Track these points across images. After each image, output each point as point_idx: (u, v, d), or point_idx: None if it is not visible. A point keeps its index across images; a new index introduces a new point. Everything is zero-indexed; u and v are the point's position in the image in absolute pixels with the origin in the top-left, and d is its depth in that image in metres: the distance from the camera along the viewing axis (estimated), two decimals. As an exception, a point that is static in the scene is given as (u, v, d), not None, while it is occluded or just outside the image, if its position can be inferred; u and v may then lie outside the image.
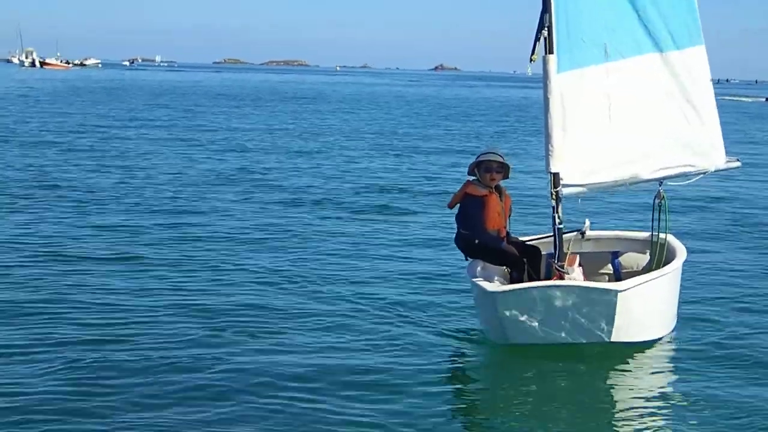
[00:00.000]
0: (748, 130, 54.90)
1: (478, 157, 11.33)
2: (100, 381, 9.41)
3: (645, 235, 12.41)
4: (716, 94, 11.97)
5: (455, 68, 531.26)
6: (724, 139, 11.87)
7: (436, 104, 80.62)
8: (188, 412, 8.73)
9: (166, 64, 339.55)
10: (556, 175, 10.80)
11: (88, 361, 9.98)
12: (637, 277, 10.58)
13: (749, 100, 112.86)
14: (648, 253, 12.17)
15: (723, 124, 11.90)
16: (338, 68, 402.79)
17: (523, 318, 10.10)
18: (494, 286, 10.31)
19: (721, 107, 12.33)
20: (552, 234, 11.13)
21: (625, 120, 11.29)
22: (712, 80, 11.88)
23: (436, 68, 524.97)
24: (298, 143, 37.81)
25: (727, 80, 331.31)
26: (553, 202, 10.83)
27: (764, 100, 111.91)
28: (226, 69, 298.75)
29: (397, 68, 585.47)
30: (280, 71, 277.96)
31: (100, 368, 9.74)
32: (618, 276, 12.00)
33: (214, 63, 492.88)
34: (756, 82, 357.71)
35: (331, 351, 10.59)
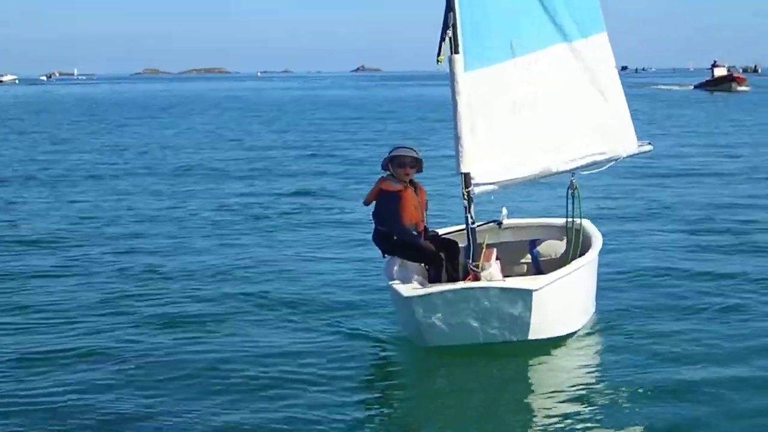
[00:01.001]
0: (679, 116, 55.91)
1: (391, 152, 11.19)
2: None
3: (562, 221, 12.30)
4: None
5: (377, 69, 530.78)
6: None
7: (352, 106, 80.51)
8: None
9: (84, 77, 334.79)
10: (466, 176, 10.69)
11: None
12: (552, 274, 10.51)
13: (680, 88, 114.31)
14: (565, 240, 12.12)
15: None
16: (259, 74, 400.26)
17: (439, 321, 9.99)
18: (410, 289, 10.14)
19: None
20: (476, 225, 11.02)
21: (535, 114, 11.23)
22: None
23: (357, 70, 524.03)
24: (225, 149, 37.57)
25: (644, 69, 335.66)
26: (465, 202, 10.71)
27: (692, 87, 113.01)
28: (144, 80, 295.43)
29: (319, 71, 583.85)
30: (200, 79, 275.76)
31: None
32: (537, 265, 12.01)
33: (133, 74, 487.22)
34: (674, 70, 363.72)
35: (246, 357, 10.40)
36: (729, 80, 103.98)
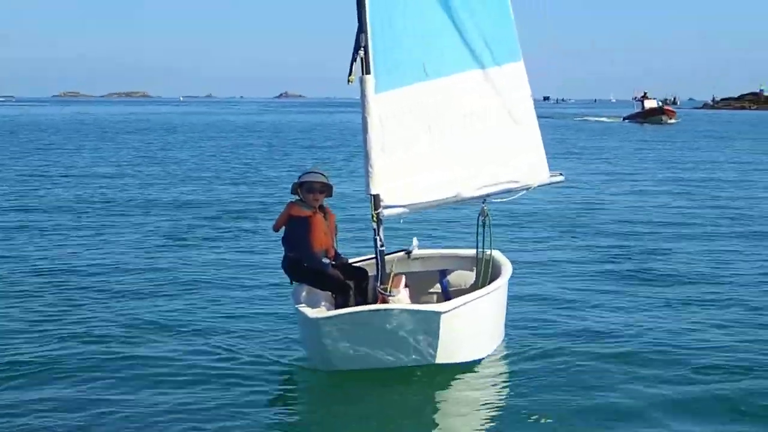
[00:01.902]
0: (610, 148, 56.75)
1: (301, 177, 10.98)
2: None
3: (472, 252, 12.19)
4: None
5: (300, 95, 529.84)
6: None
7: (272, 132, 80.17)
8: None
9: (3, 99, 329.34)
10: (376, 197, 10.49)
11: None
12: (459, 298, 10.31)
13: (609, 120, 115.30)
14: (475, 271, 11.98)
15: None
16: (182, 98, 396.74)
17: (346, 344, 9.72)
18: (316, 312, 9.90)
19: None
20: (386, 254, 10.86)
21: (446, 138, 11.09)
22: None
23: (280, 96, 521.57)
24: (140, 175, 36.82)
25: (563, 99, 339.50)
26: (374, 225, 10.52)
27: (622, 120, 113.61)
28: (66, 102, 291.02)
29: (242, 97, 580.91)
30: (122, 103, 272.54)
31: None
32: (446, 295, 11.80)
33: (54, 96, 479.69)
34: (595, 101, 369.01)
35: (150, 385, 10.04)
36: (659, 113, 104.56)
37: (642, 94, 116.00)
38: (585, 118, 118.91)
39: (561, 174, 12.39)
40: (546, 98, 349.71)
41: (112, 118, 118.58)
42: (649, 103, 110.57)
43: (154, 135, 71.44)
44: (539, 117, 12.42)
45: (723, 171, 39.50)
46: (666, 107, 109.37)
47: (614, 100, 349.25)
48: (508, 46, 11.63)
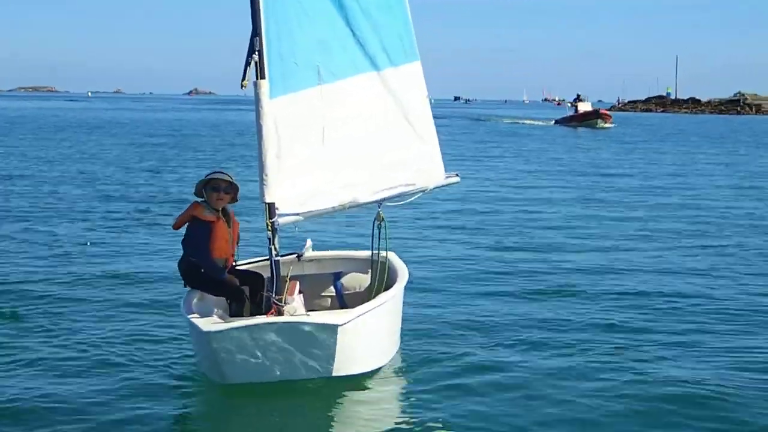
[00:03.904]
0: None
1: (207, 176, 10.59)
2: None
3: (367, 254, 11.88)
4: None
5: (210, 92, 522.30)
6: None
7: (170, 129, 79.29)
8: None
9: None
10: (271, 205, 10.09)
11: None
12: (357, 308, 9.99)
13: (542, 123, 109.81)
14: (370, 273, 11.69)
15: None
16: (90, 94, 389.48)
17: (240, 357, 9.32)
18: (209, 324, 9.45)
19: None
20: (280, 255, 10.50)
21: (342, 143, 10.78)
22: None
23: (190, 93, 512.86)
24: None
25: (467, 100, 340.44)
26: (269, 233, 10.11)
27: (553, 123, 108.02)
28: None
29: (151, 93, 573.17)
30: (29, 98, 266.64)
31: None
32: (341, 298, 11.50)
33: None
34: (506, 101, 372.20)
35: (36, 398, 9.59)
36: (595, 116, 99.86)
37: (575, 97, 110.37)
38: (522, 121, 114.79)
39: (457, 175, 12.16)
40: (457, 98, 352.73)
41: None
42: (583, 107, 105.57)
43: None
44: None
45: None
46: (602, 111, 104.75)
47: (527, 101, 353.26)
48: (405, 46, 11.36)
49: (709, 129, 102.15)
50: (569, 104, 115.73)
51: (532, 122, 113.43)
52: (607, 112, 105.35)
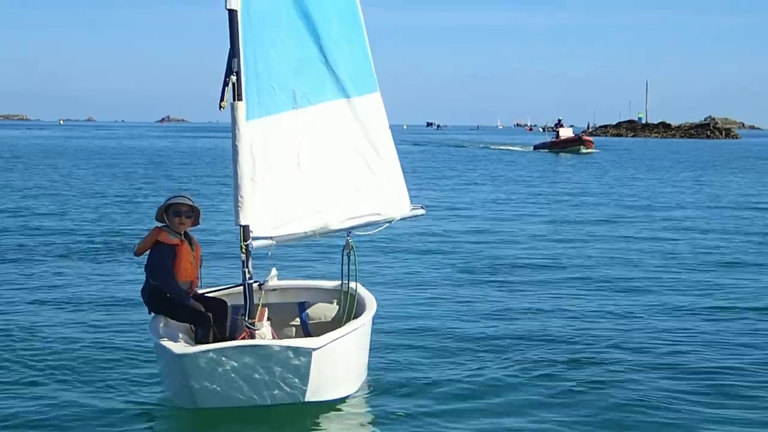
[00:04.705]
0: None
1: (167, 200, 10.47)
2: None
3: (333, 284, 11.80)
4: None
5: (182, 119, 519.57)
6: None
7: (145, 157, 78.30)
8: None
9: None
10: (245, 228, 9.96)
11: None
12: (331, 333, 9.85)
13: (521, 149, 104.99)
14: (336, 303, 11.57)
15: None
16: (61, 122, 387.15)
17: (213, 381, 9.12)
18: (180, 347, 9.27)
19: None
20: (238, 285, 10.34)
21: (315, 169, 10.69)
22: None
23: (162, 120, 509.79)
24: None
25: (438, 126, 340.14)
26: (243, 257, 9.98)
27: (532, 149, 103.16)
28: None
29: (123, 120, 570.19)
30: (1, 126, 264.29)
31: None
32: (306, 328, 11.34)
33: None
34: (478, 127, 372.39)
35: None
36: (578, 143, 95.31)
37: (557, 122, 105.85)
38: (498, 147, 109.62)
39: (422, 207, 12.09)
40: (429, 124, 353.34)
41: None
42: (565, 132, 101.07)
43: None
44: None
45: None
46: (585, 137, 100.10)
47: (501, 126, 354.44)
48: (365, 75, 11.33)
49: (695, 154, 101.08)
50: (549, 129, 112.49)
51: (512, 148, 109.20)
52: (590, 138, 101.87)
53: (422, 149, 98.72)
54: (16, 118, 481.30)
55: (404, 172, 11.88)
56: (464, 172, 59.60)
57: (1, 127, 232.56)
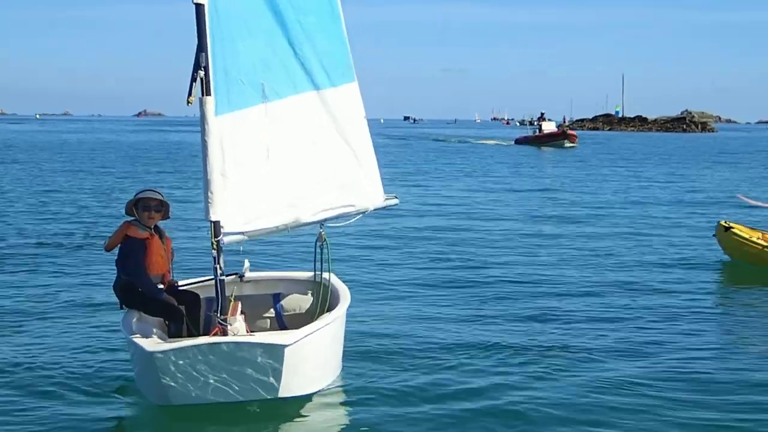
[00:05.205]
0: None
1: (136, 195, 10.38)
2: None
3: (307, 275, 11.75)
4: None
5: (159, 113, 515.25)
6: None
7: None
8: None
9: None
10: (216, 224, 9.86)
11: None
12: (304, 328, 9.80)
13: (503, 143, 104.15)
14: (310, 294, 11.53)
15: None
16: (38, 116, 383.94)
17: (185, 377, 9.06)
18: (153, 344, 9.18)
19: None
20: (210, 278, 10.31)
21: (286, 162, 10.62)
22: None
23: (139, 114, 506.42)
24: None
25: (414, 120, 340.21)
26: (215, 252, 9.88)
27: (513, 142, 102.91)
28: None
29: (100, 115, 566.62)
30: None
31: None
32: (280, 320, 11.28)
33: None
34: (455, 121, 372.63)
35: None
36: (562, 137, 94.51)
37: (539, 116, 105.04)
38: (479, 141, 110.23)
39: (395, 197, 12.09)
40: (406, 118, 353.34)
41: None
42: (548, 126, 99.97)
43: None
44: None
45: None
46: (570, 131, 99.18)
47: (479, 120, 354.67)
48: (342, 66, 11.29)
49: (669, 148, 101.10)
50: (530, 123, 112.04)
51: (494, 142, 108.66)
52: (574, 133, 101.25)
53: (403, 143, 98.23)
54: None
55: (383, 166, 11.82)
56: (442, 166, 59.32)
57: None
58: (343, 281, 11.83)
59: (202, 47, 9.90)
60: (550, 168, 59.36)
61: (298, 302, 11.54)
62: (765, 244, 19.20)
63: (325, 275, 11.34)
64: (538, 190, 40.91)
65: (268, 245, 19.09)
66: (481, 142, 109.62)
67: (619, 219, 29.26)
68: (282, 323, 11.26)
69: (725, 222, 20.01)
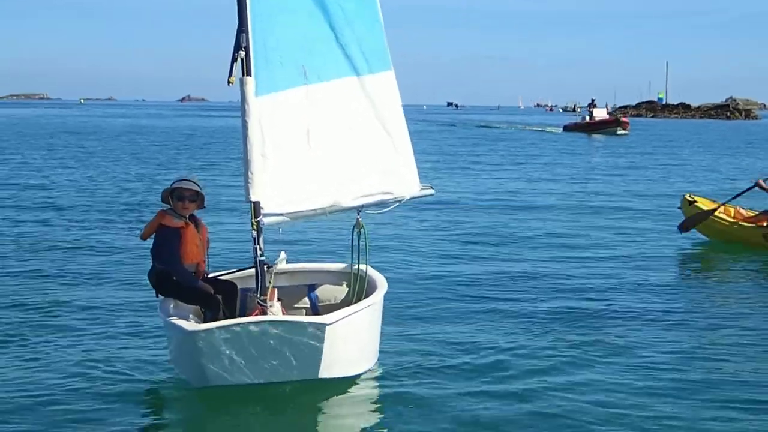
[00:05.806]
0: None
1: (173, 184, 10.31)
2: None
3: (342, 266, 11.66)
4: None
5: (203, 99, 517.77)
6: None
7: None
8: None
9: None
10: (256, 204, 9.81)
11: None
12: (345, 309, 9.71)
13: (557, 131, 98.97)
14: (345, 285, 11.41)
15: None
16: (82, 101, 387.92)
17: (226, 357, 8.98)
18: (193, 324, 9.13)
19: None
20: (249, 267, 10.25)
21: (325, 145, 10.53)
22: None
23: (182, 99, 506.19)
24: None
25: (456, 106, 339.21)
26: (254, 233, 9.84)
27: (561, 129, 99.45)
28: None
29: (144, 100, 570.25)
30: (22, 105, 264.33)
31: None
32: (315, 310, 11.14)
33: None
34: (498, 107, 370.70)
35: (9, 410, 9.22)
36: (615, 124, 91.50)
37: (590, 102, 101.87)
38: (529, 128, 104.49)
39: (431, 187, 11.93)
40: (449, 104, 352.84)
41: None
42: (599, 113, 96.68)
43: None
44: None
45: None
46: (623, 118, 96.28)
47: (522, 107, 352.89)
48: (380, 54, 11.19)
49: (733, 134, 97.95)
50: (580, 109, 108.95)
51: (539, 129, 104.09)
52: (626, 120, 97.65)
53: (449, 129, 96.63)
54: (37, 96, 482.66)
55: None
56: (486, 153, 57.71)
57: (23, 105, 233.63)
58: (379, 267, 11.67)
59: (242, 27, 9.86)
60: (612, 158, 55.82)
61: (333, 293, 11.45)
62: (725, 217, 20.07)
63: (362, 266, 11.19)
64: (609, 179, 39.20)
65: (301, 238, 19.02)
66: (529, 128, 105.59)
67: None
68: (317, 313, 11.09)
69: (689, 195, 21.19)
